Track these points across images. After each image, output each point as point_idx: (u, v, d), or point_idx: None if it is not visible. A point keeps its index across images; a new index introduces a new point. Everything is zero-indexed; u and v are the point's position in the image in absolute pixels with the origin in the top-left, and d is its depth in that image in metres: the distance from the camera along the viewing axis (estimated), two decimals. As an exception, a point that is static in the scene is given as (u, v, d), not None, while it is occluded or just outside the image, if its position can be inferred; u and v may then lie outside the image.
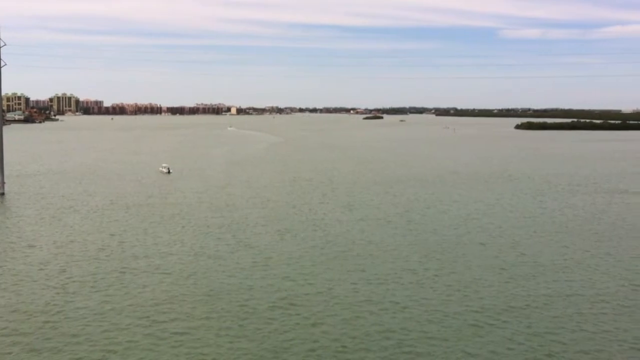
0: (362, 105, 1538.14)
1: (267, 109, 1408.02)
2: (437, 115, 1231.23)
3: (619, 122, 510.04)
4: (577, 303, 57.19)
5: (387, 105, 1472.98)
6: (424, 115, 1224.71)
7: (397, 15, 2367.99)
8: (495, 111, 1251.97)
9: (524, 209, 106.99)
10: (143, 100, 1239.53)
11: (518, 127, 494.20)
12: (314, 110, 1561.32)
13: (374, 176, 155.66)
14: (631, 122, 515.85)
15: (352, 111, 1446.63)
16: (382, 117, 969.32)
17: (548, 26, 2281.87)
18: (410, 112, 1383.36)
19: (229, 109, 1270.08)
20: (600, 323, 51.96)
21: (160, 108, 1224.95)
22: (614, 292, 60.35)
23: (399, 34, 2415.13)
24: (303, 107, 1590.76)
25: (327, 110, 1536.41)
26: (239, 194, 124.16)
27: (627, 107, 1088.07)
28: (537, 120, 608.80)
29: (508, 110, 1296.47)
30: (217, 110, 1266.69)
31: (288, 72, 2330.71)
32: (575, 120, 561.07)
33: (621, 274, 66.91)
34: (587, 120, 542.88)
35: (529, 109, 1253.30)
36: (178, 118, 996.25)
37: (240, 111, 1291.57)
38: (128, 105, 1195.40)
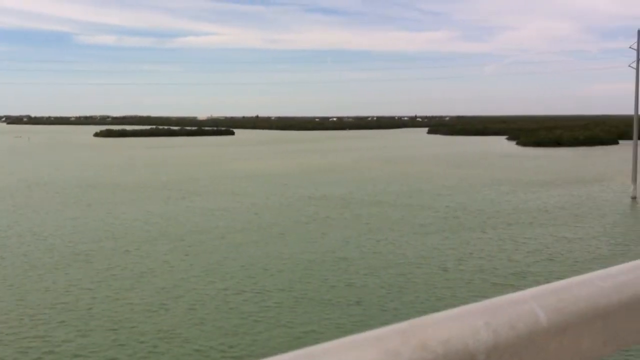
0: None
1: None
2: (8, 123, 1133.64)
3: (195, 128, 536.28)
4: (176, 309, 49.26)
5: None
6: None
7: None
8: (73, 119, 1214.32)
9: (91, 223, 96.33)
10: None
11: (97, 134, 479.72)
12: None
13: None
14: (206, 128, 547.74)
15: None
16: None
17: (123, 33, 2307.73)
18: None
19: None
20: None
21: None
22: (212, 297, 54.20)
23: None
24: None
25: None
26: None
27: (202, 114, 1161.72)
28: (116, 127, 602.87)
29: (86, 117, 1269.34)
30: None
31: None
32: (154, 127, 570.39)
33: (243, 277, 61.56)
34: (166, 127, 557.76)
35: (108, 117, 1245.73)
36: None
37: None
38: None
